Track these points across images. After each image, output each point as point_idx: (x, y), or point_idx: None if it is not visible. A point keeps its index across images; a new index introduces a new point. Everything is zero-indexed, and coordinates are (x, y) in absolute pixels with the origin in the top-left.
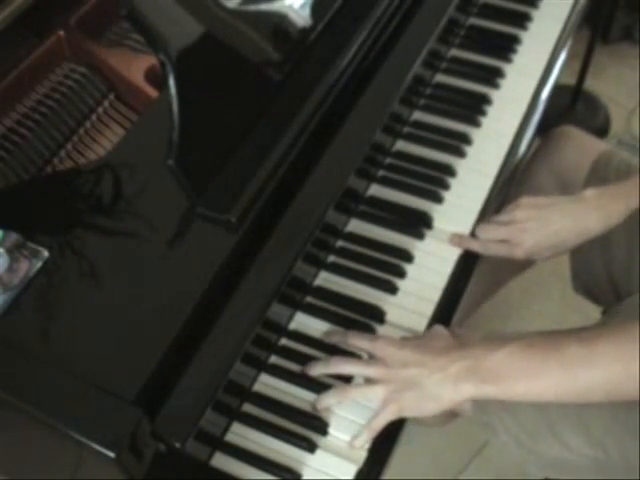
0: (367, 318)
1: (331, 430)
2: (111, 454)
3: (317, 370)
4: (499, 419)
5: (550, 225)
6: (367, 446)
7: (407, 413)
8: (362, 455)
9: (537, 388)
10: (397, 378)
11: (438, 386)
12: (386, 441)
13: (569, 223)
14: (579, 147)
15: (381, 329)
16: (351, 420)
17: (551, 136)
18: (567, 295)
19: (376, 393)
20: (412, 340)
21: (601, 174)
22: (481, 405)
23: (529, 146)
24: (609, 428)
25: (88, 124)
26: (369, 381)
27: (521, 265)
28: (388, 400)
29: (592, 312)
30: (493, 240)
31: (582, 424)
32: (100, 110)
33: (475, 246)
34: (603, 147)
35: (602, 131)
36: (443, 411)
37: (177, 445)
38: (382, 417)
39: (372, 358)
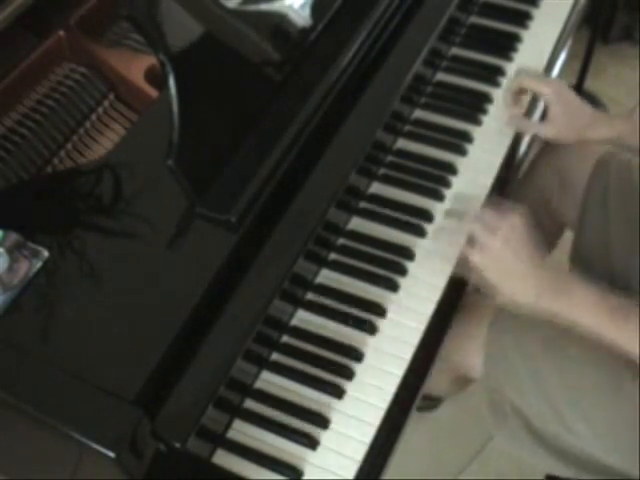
0: (368, 315)
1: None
2: (111, 454)
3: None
4: (509, 401)
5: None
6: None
7: (485, 281)
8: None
9: (605, 330)
10: (494, 248)
11: (527, 283)
12: (386, 441)
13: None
14: (581, 147)
15: (382, 326)
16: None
17: None
18: None
19: (478, 255)
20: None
21: (603, 174)
22: (492, 385)
23: (530, 144)
24: (609, 418)
25: (88, 124)
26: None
27: None
28: (479, 265)
29: None
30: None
31: (584, 412)
32: (100, 110)
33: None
34: (605, 147)
35: None
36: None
37: (177, 445)
38: (466, 260)
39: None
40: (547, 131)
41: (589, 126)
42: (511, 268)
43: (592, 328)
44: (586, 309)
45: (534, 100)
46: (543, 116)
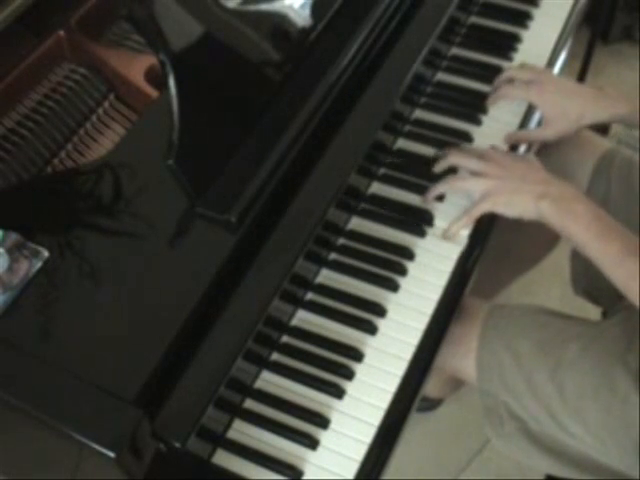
0: (368, 315)
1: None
2: (111, 454)
3: (440, 165)
4: (504, 405)
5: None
6: (465, 233)
7: (498, 208)
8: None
9: (590, 244)
10: (501, 176)
11: (528, 196)
12: (386, 441)
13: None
14: (582, 145)
15: (382, 326)
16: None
17: None
18: (567, 295)
19: (479, 184)
20: (521, 158)
21: (604, 172)
22: (486, 390)
23: (530, 144)
24: (604, 419)
25: (88, 125)
26: (475, 175)
27: (523, 265)
28: (488, 193)
29: (592, 312)
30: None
31: (579, 413)
32: (100, 110)
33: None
34: (606, 145)
35: (602, 131)
36: (517, 217)
37: (177, 445)
38: (479, 207)
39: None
40: (546, 134)
41: (586, 111)
42: (514, 184)
43: (582, 242)
44: (580, 222)
45: (530, 109)
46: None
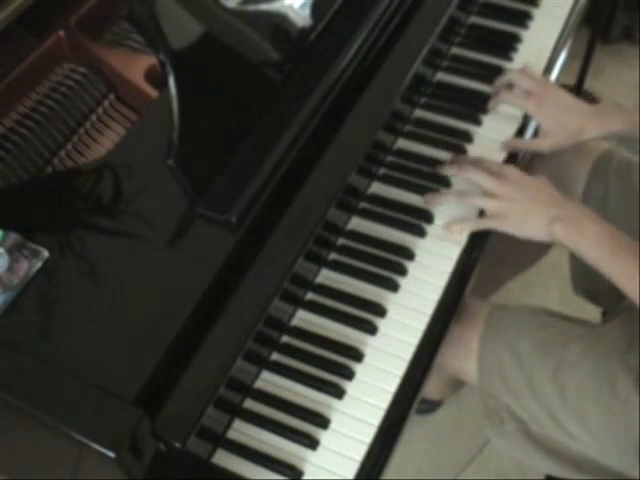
0: (368, 315)
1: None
2: (111, 454)
3: (451, 172)
4: (505, 406)
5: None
6: (464, 236)
7: (508, 229)
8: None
9: (604, 263)
10: (513, 198)
11: (539, 219)
12: (386, 441)
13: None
14: (580, 146)
15: (382, 326)
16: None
17: None
18: (567, 295)
19: (492, 205)
20: (534, 178)
21: (602, 173)
22: (486, 390)
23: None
24: (604, 420)
25: (88, 124)
26: (487, 195)
27: (522, 264)
28: (497, 213)
29: (592, 312)
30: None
31: (580, 414)
32: (100, 110)
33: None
34: (604, 146)
35: None
36: (525, 239)
37: (177, 445)
38: (486, 222)
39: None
40: (542, 145)
41: (585, 128)
42: (526, 207)
43: (595, 260)
44: (592, 241)
45: (526, 118)
46: (536, 133)
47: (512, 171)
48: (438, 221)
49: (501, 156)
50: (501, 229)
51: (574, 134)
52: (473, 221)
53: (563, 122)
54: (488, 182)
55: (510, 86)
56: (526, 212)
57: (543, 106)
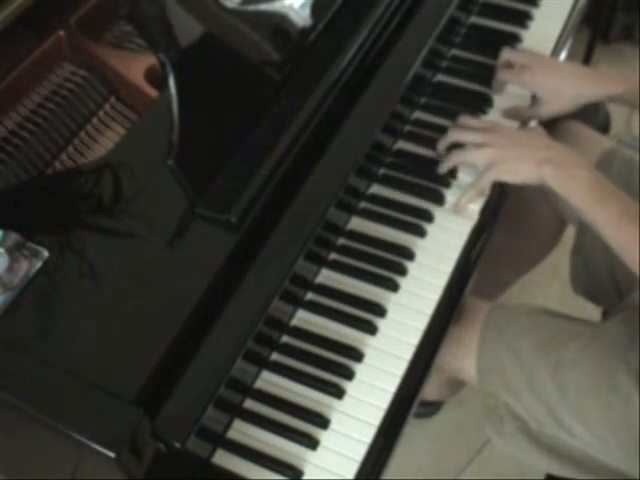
0: (368, 315)
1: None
2: (111, 454)
3: (443, 143)
4: (505, 405)
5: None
6: (476, 209)
7: (503, 176)
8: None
9: (591, 209)
10: (504, 145)
11: (531, 161)
12: (386, 441)
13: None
14: (583, 144)
15: (383, 326)
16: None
17: (555, 133)
18: (567, 295)
19: (484, 154)
20: (524, 128)
21: (604, 171)
22: (486, 390)
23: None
24: (605, 418)
25: (89, 127)
26: (479, 147)
27: (522, 266)
28: (493, 162)
29: (592, 312)
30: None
31: (580, 412)
32: (101, 113)
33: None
34: (607, 144)
35: (602, 131)
36: (521, 183)
37: (177, 445)
38: (485, 177)
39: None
40: (540, 112)
41: (582, 91)
42: (517, 150)
43: (581, 206)
44: (581, 188)
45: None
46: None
47: (499, 125)
48: (438, 221)
49: None
50: (498, 178)
51: (571, 98)
52: (473, 186)
53: (558, 89)
54: (476, 136)
55: (510, 66)
56: (517, 156)
57: (537, 75)
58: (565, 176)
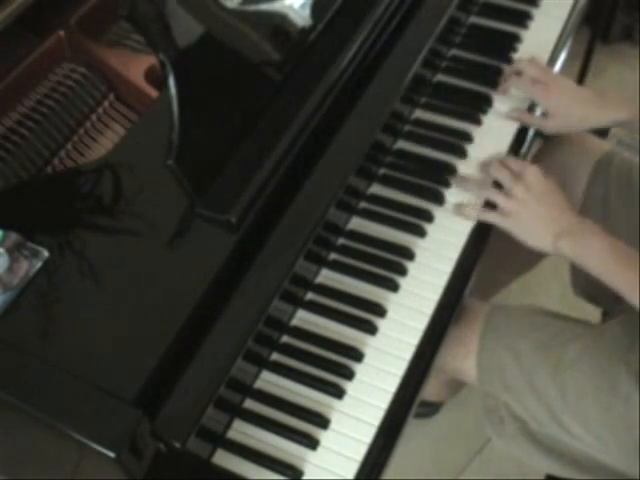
0: (368, 315)
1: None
2: (111, 454)
3: (478, 171)
4: (505, 406)
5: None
6: (464, 236)
7: (514, 232)
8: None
9: (609, 275)
10: (527, 204)
11: (547, 232)
12: (386, 441)
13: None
14: (582, 147)
15: (383, 326)
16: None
17: (554, 136)
18: (567, 295)
19: (507, 204)
20: (548, 184)
21: (603, 174)
22: (486, 391)
23: (530, 145)
24: (605, 419)
25: (88, 124)
26: (505, 193)
27: (522, 266)
28: (506, 212)
29: (592, 312)
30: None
31: (580, 413)
32: (100, 110)
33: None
34: (606, 147)
35: (602, 131)
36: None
37: (177, 445)
38: (497, 219)
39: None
40: (546, 125)
41: (588, 117)
42: (534, 215)
43: (599, 272)
44: (596, 255)
45: (530, 109)
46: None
47: (531, 173)
48: (438, 221)
49: (501, 154)
50: (504, 226)
51: (578, 122)
52: (482, 211)
53: (568, 110)
54: (508, 182)
55: (519, 74)
56: (533, 223)
57: (549, 93)
58: (580, 247)
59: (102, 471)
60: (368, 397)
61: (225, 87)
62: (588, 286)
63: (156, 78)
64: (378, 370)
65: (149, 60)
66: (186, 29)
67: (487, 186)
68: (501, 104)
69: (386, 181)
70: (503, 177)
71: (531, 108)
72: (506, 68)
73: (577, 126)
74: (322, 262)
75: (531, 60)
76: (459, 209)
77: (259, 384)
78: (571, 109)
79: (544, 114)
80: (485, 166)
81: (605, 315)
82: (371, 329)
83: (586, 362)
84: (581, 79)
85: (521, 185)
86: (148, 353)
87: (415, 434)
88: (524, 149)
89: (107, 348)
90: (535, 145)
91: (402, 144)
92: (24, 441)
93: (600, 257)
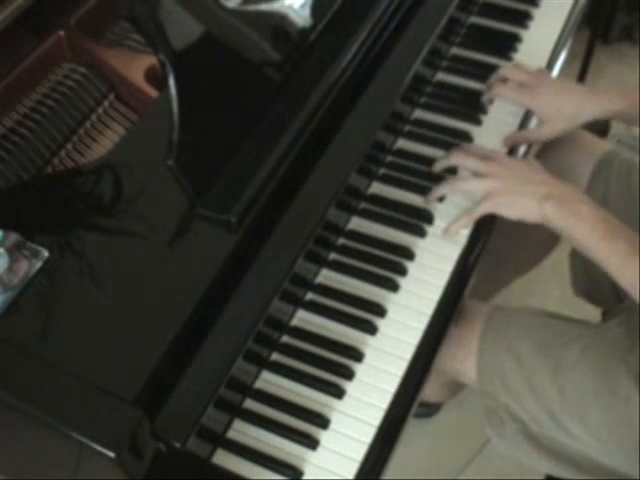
0: (368, 315)
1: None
2: (111, 454)
3: (440, 164)
4: (505, 406)
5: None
6: (466, 232)
7: (500, 209)
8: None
9: (596, 245)
10: (503, 177)
11: (531, 197)
12: (386, 441)
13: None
14: (582, 147)
15: (383, 326)
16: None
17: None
18: (567, 295)
19: (481, 185)
20: (523, 159)
21: (603, 174)
22: (486, 391)
23: (530, 145)
24: (605, 419)
25: (88, 124)
26: (478, 176)
27: (522, 266)
28: (490, 194)
29: (592, 313)
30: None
31: (580, 414)
32: (100, 110)
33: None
34: (606, 147)
35: (602, 131)
36: (518, 219)
37: (177, 445)
38: (481, 207)
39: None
40: (542, 134)
41: (582, 109)
42: (514, 184)
43: (586, 242)
44: (585, 223)
45: (526, 117)
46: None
47: (500, 154)
48: (438, 221)
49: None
50: (495, 210)
51: (572, 117)
52: (467, 215)
53: (559, 107)
54: (475, 164)
55: (504, 81)
56: (517, 190)
57: (537, 95)
58: (568, 212)
59: (102, 471)
60: (368, 397)
61: (225, 87)
62: (588, 286)
63: (156, 78)
64: (378, 370)
65: (149, 60)
66: (186, 29)
67: (458, 180)
68: (502, 104)
69: (386, 181)
70: (470, 163)
71: (523, 125)
72: (491, 77)
73: (572, 121)
74: (322, 262)
75: (515, 65)
76: (447, 233)
77: (259, 384)
78: (562, 102)
79: (538, 123)
80: (447, 160)
81: (605, 315)
82: (371, 329)
83: (586, 363)
84: (581, 79)
85: (493, 163)
86: (148, 353)
87: (415, 434)
88: (523, 148)
89: (107, 348)
90: (535, 145)
91: (402, 144)
92: (24, 441)
93: (590, 226)
